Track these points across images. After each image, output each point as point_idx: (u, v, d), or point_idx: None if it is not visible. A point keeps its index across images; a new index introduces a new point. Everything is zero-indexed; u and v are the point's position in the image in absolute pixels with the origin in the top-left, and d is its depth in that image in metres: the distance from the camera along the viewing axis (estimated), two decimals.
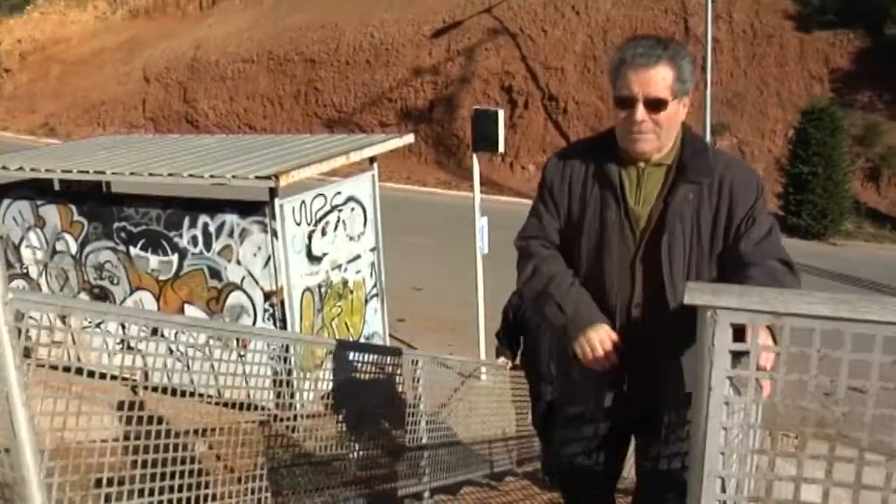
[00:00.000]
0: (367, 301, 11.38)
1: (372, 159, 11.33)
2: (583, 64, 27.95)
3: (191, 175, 9.48)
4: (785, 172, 22.64)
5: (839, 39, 26.33)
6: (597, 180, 3.03)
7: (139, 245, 10.14)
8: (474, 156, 12.41)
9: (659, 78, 2.84)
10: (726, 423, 1.96)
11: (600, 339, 2.94)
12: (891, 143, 23.93)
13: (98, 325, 4.82)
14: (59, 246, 10.69)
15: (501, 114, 11.67)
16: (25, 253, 10.94)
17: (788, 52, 26.78)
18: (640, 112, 2.85)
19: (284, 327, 9.34)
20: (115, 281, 10.41)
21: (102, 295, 10.50)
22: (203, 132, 28.30)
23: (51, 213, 10.64)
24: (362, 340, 11.04)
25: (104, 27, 43.17)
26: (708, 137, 23.50)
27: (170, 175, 9.57)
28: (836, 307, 1.77)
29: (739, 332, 1.91)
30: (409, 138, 12.28)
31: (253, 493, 4.40)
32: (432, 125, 28.89)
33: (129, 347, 4.96)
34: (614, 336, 2.96)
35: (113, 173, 10.16)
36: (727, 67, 27.13)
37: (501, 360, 7.24)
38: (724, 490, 2.02)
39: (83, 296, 10.54)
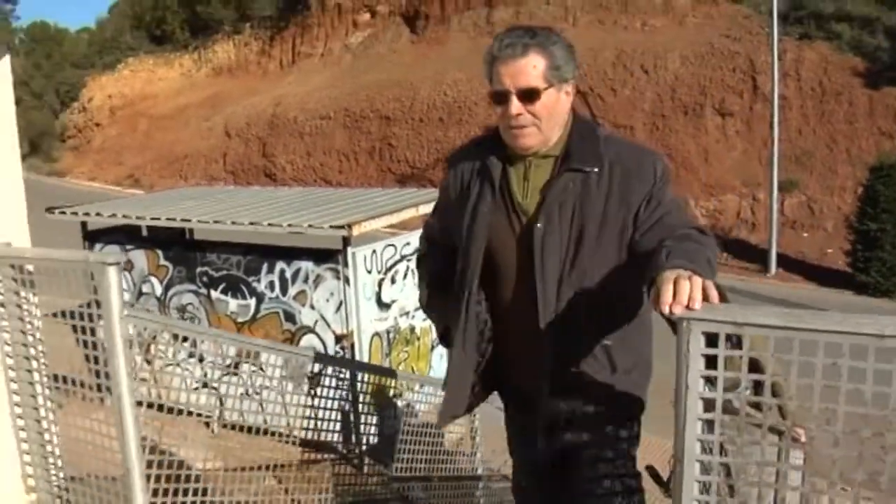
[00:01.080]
0: (432, 348, 11.84)
1: None
2: (651, 122, 28.41)
3: (270, 224, 10.11)
4: (853, 230, 22.60)
5: None
6: (479, 176, 2.97)
7: (220, 289, 10.75)
8: None
9: (529, 67, 2.75)
10: (702, 415, 2.42)
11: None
12: None
13: (178, 366, 5.44)
14: (146, 288, 11.37)
15: None
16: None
17: (857, 109, 26.85)
18: (516, 105, 2.77)
19: (354, 370, 9.85)
20: (196, 322, 11.04)
21: (183, 337, 11.14)
22: (280, 185, 29.23)
23: (139, 257, 11.32)
24: (428, 385, 11.49)
25: (189, 84, 44.93)
26: (775, 194, 23.65)
27: (251, 224, 10.22)
28: (787, 319, 2.23)
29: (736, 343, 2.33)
30: None
31: None
32: None
33: (206, 385, 5.52)
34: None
35: (198, 221, 10.85)
36: (796, 125, 27.28)
37: None
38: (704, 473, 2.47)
39: (165, 335, 11.20)
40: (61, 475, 3.81)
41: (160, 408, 4.11)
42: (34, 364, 3.66)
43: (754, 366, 2.78)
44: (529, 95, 2.75)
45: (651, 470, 5.58)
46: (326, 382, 5.98)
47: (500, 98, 2.79)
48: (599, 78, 29.47)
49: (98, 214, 11.58)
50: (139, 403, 3.39)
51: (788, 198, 26.12)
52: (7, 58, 3.58)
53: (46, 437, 3.74)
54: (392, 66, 35.97)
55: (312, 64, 40.57)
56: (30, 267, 3.61)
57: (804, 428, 3.66)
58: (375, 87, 34.83)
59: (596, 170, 2.80)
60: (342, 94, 35.77)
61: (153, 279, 11.35)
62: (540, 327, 2.83)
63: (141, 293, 11.49)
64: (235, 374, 4.87)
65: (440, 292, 3.19)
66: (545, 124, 2.81)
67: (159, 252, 11.24)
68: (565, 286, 2.79)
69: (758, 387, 3.02)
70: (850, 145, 26.55)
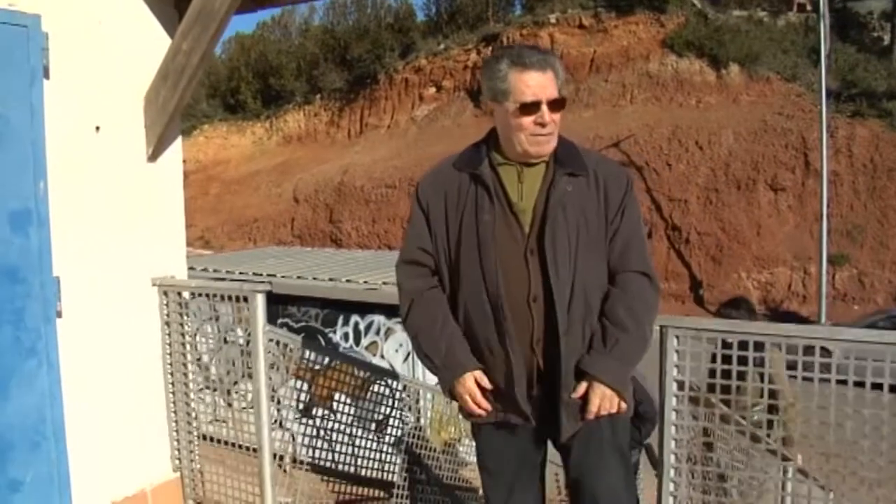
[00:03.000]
0: None
1: None
2: (705, 196, 29.13)
3: (348, 280, 11.24)
4: None
5: None
6: (472, 187, 3.04)
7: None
8: None
9: (553, 80, 2.97)
10: (676, 406, 3.42)
11: (467, 391, 2.99)
12: None
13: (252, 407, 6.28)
14: (230, 337, 12.50)
15: None
16: (200, 341, 12.78)
17: None
18: (548, 114, 2.94)
19: (418, 416, 10.83)
20: (277, 368, 12.11)
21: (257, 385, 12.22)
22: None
23: (225, 308, 12.49)
24: None
25: (260, 151, 46.54)
26: (825, 267, 24.28)
27: (330, 280, 11.36)
28: (731, 326, 3.27)
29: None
30: None
31: None
32: None
33: (281, 425, 6.38)
34: (480, 380, 2.99)
35: (282, 276, 12.01)
36: (847, 200, 27.85)
37: None
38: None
39: (245, 379, 12.27)
40: (198, 458, 4.90)
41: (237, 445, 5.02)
42: (189, 368, 4.78)
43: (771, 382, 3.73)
44: (557, 105, 2.97)
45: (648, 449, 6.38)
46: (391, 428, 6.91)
47: (532, 108, 2.92)
48: (655, 153, 30.33)
49: (191, 268, 12.80)
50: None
51: (839, 271, 26.68)
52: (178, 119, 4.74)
53: (192, 428, 4.83)
54: (456, 138, 36.98)
55: (379, 135, 41.88)
56: (186, 294, 4.75)
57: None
58: (439, 158, 35.83)
59: (584, 175, 3.03)
60: (407, 164, 36.90)
61: (238, 329, 12.46)
62: (552, 325, 2.95)
63: (226, 341, 12.62)
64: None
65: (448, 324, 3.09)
66: (556, 133, 3.02)
67: (244, 304, 12.36)
68: (576, 284, 2.95)
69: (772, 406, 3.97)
70: None
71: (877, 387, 2.78)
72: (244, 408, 5.47)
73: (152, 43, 4.46)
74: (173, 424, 4.81)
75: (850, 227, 27.48)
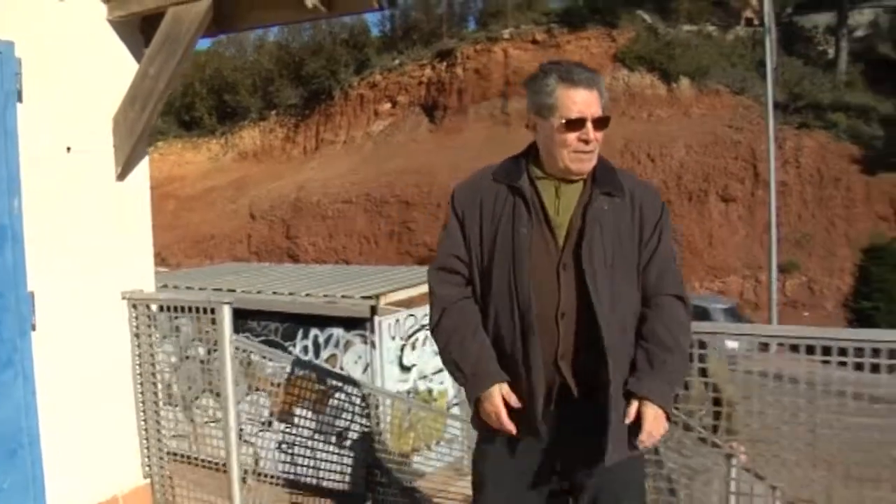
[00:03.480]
0: (448, 409, 12.98)
1: None
2: None
3: (307, 294, 11.42)
4: (850, 308, 23.68)
5: None
6: (510, 199, 3.03)
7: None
8: None
9: (599, 98, 2.96)
10: None
11: (494, 409, 2.92)
12: None
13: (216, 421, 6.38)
14: (191, 352, 12.61)
15: None
16: (160, 357, 12.89)
17: (855, 194, 28.04)
18: (592, 131, 2.92)
19: (378, 426, 11.04)
20: (237, 383, 12.25)
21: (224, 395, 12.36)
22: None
23: (185, 324, 12.62)
24: (443, 443, 12.61)
25: (216, 168, 46.43)
26: (774, 275, 24.81)
27: (290, 294, 11.53)
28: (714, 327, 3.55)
29: None
30: None
31: None
32: None
33: (242, 439, 6.51)
34: (507, 397, 2.92)
35: (242, 291, 12.15)
36: (796, 209, 28.48)
37: None
38: None
39: (206, 395, 12.41)
40: (168, 465, 5.08)
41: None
42: (157, 378, 4.97)
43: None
44: (602, 123, 2.95)
45: None
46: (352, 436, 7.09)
47: (577, 125, 2.92)
48: None
49: None
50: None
51: (789, 279, 27.26)
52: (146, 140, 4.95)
53: (161, 436, 5.01)
54: (411, 154, 37.34)
55: (335, 150, 42.02)
56: (154, 307, 4.95)
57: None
58: (395, 174, 36.12)
59: (620, 196, 3.01)
60: (363, 179, 37.10)
61: (197, 344, 12.59)
62: (584, 342, 2.92)
63: (186, 357, 12.72)
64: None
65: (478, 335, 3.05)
66: (597, 150, 3.01)
67: (207, 318, 12.50)
68: (614, 300, 2.93)
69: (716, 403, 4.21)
70: (849, 229, 27.71)
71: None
72: (206, 422, 5.63)
73: (120, 67, 4.67)
74: (143, 432, 4.99)
75: (798, 235, 28.10)
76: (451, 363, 3.05)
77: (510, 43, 38.67)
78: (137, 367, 4.97)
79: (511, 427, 2.90)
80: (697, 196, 29.28)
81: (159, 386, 5.08)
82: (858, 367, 3.02)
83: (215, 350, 4.94)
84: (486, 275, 3.04)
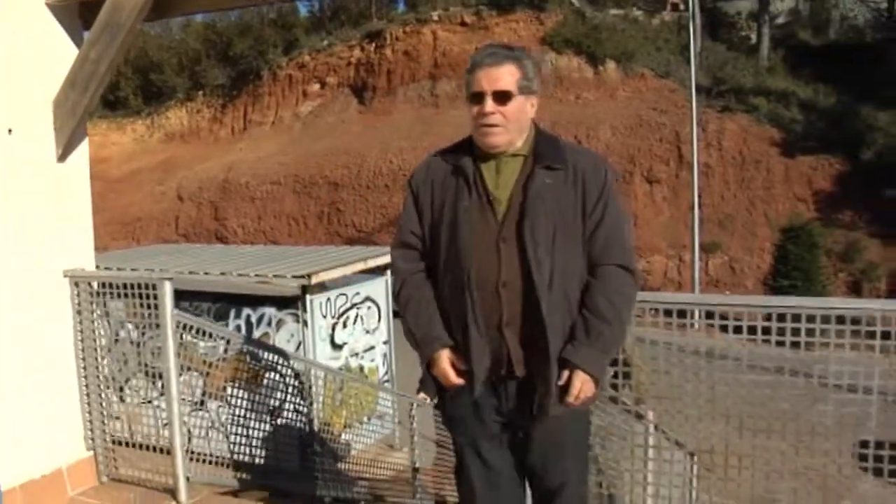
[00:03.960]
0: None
1: (386, 266, 13.40)
2: None
3: (239, 274, 11.54)
4: (769, 287, 24.34)
5: (821, 164, 28.50)
6: (454, 175, 3.20)
7: (191, 333, 12.11)
8: None
9: (506, 74, 3.09)
10: None
11: (440, 371, 3.21)
12: (870, 258, 25.92)
13: (149, 402, 6.16)
14: (122, 334, 12.64)
15: None
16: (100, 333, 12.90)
17: (775, 176, 28.81)
18: (490, 104, 3.07)
19: (311, 404, 11.24)
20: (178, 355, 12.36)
21: (157, 375, 12.44)
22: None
23: (116, 305, 12.64)
24: (374, 419, 12.87)
25: (142, 149, 45.85)
26: (697, 255, 25.49)
27: (222, 274, 11.64)
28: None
29: None
30: None
31: None
32: None
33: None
34: (453, 359, 3.17)
35: (176, 272, 12.19)
36: (718, 191, 29.18)
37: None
38: None
39: (140, 375, 12.47)
40: (110, 439, 5.25)
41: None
42: (99, 353, 5.13)
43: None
44: (502, 97, 3.08)
45: None
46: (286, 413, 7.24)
47: (477, 98, 3.11)
48: None
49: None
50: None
51: (712, 258, 27.98)
52: (86, 122, 5.08)
53: (103, 409, 5.18)
54: (340, 135, 37.35)
55: (263, 131, 41.80)
56: (95, 284, 5.10)
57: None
58: (324, 155, 36.10)
59: (562, 169, 3.14)
60: (292, 160, 37.01)
61: (129, 325, 12.63)
62: (528, 311, 3.10)
63: (118, 338, 12.76)
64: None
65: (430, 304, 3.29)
66: (512, 126, 3.12)
67: (135, 301, 12.53)
68: (555, 272, 3.09)
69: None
70: (768, 209, 28.50)
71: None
72: (139, 403, 5.75)
73: (60, 52, 4.79)
74: (86, 406, 5.15)
75: (721, 216, 28.79)
76: (407, 331, 3.31)
77: (439, 25, 38.85)
78: (80, 342, 5.12)
79: (459, 382, 3.18)
80: (623, 177, 29.76)
81: (101, 361, 5.23)
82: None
83: (155, 328, 5.09)
84: (435, 248, 3.25)
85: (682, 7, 36.12)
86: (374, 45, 40.37)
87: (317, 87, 41.72)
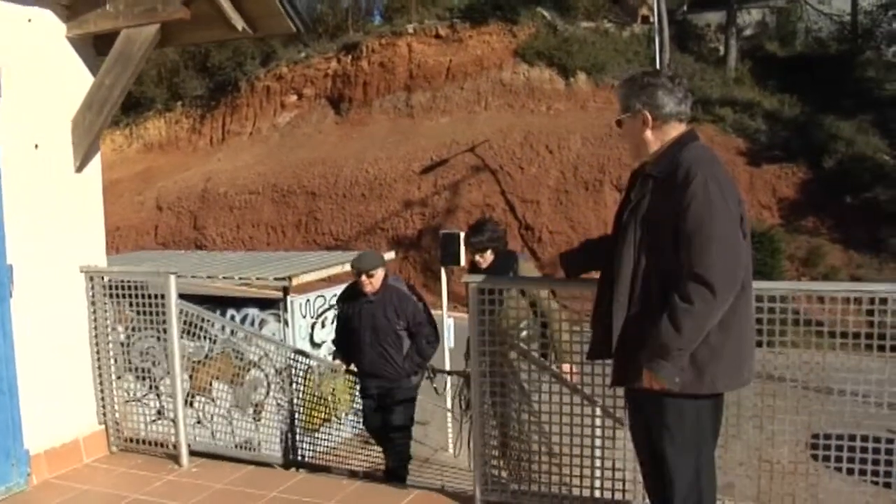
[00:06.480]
0: (355, 382, 13.93)
1: None
2: (556, 197, 30.63)
3: (224, 277, 12.27)
4: None
5: (785, 172, 29.09)
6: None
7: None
8: (442, 269, 14.97)
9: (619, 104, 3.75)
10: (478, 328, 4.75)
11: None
12: (833, 263, 26.48)
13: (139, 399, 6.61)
14: (112, 336, 13.35)
15: (462, 234, 14.21)
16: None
17: (740, 184, 29.22)
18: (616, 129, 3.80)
19: (291, 398, 11.96)
20: (156, 363, 13.03)
21: (145, 374, 13.12)
22: None
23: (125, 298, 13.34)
24: (351, 415, 13.57)
25: (120, 159, 46.07)
26: None
27: (208, 277, 12.36)
28: (506, 283, 4.60)
29: None
30: (391, 255, 15.14)
31: None
32: (420, 252, 31.14)
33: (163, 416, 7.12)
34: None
35: None
36: None
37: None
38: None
39: (128, 375, 13.14)
40: (118, 414, 6.00)
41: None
42: (110, 337, 5.88)
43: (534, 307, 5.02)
44: (617, 124, 3.77)
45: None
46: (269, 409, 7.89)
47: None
48: (508, 157, 31.63)
49: None
50: None
51: None
52: (100, 139, 5.84)
53: (113, 389, 5.93)
54: (317, 145, 37.76)
55: (241, 142, 42.14)
56: (107, 278, 5.86)
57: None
58: (301, 165, 36.46)
59: (664, 178, 3.47)
60: (270, 170, 37.39)
61: (119, 327, 13.32)
62: None
63: (127, 326, 13.43)
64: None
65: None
66: (628, 142, 3.79)
67: (123, 303, 13.23)
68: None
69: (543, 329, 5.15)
70: None
71: None
72: (127, 401, 6.29)
73: (79, 78, 5.57)
74: (98, 386, 5.91)
75: None
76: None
77: (414, 37, 39.46)
78: (94, 329, 5.88)
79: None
80: (593, 185, 30.47)
81: (111, 346, 5.98)
82: None
83: (161, 314, 5.79)
84: None
85: (652, 19, 36.95)
86: (350, 57, 40.97)
87: (294, 98, 42.20)
